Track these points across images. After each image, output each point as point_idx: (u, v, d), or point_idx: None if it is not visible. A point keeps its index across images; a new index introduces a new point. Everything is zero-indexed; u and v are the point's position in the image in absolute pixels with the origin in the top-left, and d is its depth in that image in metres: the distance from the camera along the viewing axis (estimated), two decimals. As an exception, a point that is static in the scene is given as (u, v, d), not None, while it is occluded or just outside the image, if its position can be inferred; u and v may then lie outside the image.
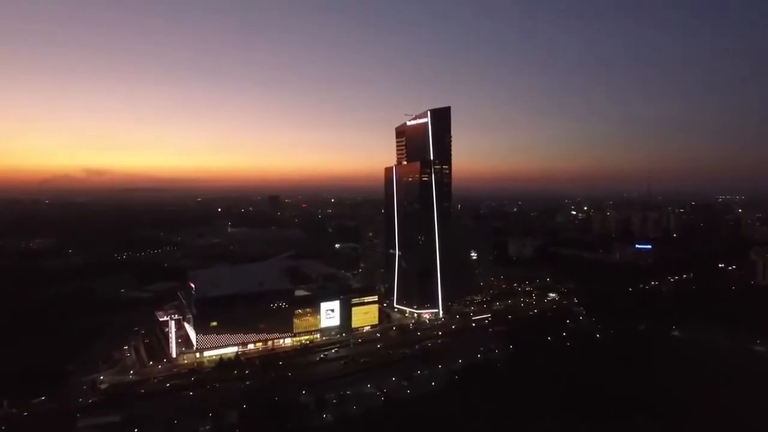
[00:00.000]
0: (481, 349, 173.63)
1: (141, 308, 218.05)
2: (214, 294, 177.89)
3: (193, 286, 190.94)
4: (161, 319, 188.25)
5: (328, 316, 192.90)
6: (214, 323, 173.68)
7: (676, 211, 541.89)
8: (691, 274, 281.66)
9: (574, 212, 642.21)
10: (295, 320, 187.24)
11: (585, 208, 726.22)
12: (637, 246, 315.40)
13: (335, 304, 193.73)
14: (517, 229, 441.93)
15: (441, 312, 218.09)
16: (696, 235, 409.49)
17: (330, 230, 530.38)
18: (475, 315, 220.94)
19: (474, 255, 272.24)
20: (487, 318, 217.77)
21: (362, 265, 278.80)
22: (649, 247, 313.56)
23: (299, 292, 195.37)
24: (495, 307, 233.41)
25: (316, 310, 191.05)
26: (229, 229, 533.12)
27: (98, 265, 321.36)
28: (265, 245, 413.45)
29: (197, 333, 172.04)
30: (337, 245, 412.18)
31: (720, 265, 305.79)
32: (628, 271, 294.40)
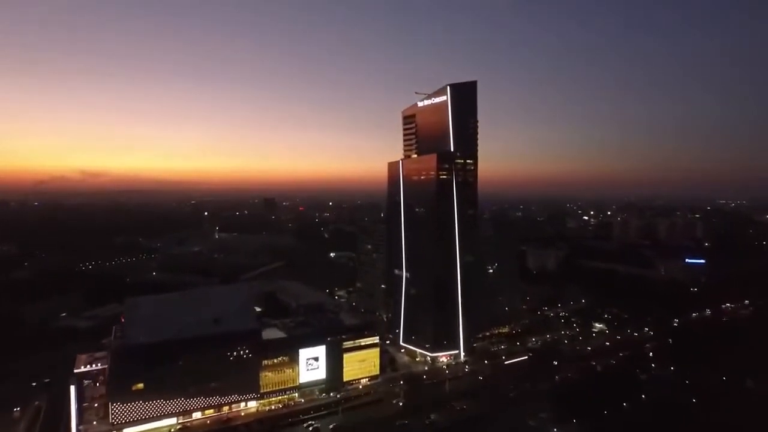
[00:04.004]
0: (531, 424, 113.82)
1: (74, 344, 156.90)
2: (142, 340, 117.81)
3: (123, 321, 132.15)
4: (75, 371, 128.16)
5: (310, 366, 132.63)
6: (140, 385, 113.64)
7: (692, 216, 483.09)
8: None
9: (585, 217, 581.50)
10: (264, 375, 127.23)
11: (591, 212, 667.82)
12: (687, 260, 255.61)
13: (320, 351, 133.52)
14: (529, 237, 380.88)
15: (463, 353, 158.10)
16: (736, 245, 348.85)
17: (326, 236, 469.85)
18: (507, 357, 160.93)
19: (491, 270, 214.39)
20: (523, 361, 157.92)
21: (359, 284, 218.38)
22: (702, 261, 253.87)
23: (270, 333, 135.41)
24: (531, 345, 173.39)
25: (294, 360, 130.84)
26: (217, 235, 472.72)
27: (53, 278, 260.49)
28: (252, 254, 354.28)
29: (112, 401, 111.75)
30: (332, 254, 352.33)
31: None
32: (682, 291, 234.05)
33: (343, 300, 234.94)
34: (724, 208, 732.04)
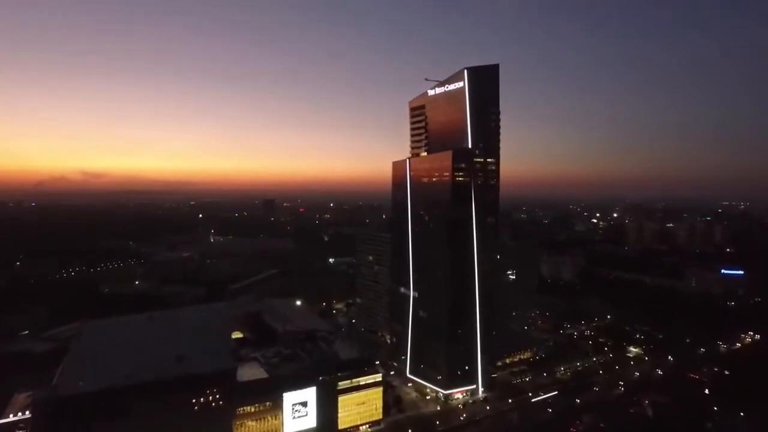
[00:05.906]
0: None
1: (23, 374, 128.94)
2: (80, 388, 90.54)
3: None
4: (1, 420, 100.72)
5: (297, 413, 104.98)
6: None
7: (702, 219, 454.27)
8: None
9: (593, 220, 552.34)
10: (238, 425, 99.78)
11: (597, 214, 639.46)
12: (723, 271, 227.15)
13: (309, 393, 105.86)
14: (538, 241, 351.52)
15: (481, 388, 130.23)
16: (765, 251, 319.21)
17: (326, 239, 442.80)
18: (533, 392, 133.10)
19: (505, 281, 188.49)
20: (554, 398, 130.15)
21: (359, 299, 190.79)
22: (741, 272, 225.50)
23: (248, 371, 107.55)
24: (559, 375, 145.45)
25: (277, 405, 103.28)
26: (212, 238, 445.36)
27: (25, 288, 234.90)
28: (246, 260, 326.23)
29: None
30: (331, 260, 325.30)
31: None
32: (720, 307, 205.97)
33: (341, 315, 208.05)
34: (735, 211, 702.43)
